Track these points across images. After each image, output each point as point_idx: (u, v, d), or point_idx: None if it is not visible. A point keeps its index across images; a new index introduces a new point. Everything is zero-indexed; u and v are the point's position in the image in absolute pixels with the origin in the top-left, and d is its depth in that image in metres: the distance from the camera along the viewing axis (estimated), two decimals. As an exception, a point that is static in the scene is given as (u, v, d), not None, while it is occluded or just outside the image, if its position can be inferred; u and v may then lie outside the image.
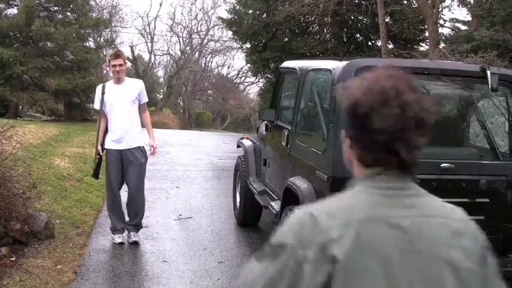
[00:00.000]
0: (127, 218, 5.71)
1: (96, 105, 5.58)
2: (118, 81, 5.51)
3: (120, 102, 5.43)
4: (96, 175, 5.77)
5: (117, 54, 5.56)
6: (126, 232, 5.64)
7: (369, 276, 1.14)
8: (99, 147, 5.54)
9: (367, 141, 1.24)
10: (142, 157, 5.53)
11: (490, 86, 3.94)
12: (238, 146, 6.75)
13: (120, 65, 5.45)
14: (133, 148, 5.47)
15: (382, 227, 1.19)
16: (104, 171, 5.73)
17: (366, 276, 1.15)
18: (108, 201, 5.76)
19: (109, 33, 30.55)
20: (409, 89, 1.21)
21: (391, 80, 1.21)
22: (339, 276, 1.14)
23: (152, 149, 5.58)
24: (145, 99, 5.63)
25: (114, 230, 5.63)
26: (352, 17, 18.40)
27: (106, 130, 5.52)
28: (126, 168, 5.48)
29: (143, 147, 5.55)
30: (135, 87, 5.58)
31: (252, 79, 35.48)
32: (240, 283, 1.30)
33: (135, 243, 5.54)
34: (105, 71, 33.20)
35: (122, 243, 5.50)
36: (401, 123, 1.19)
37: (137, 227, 5.68)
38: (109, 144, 5.49)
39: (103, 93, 5.47)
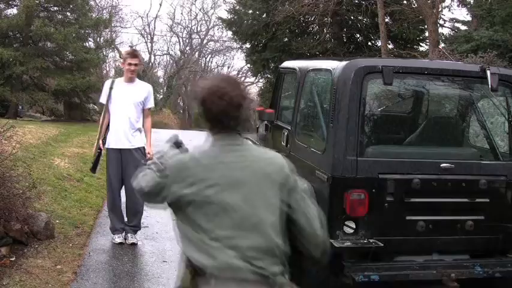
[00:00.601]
0: (126, 219, 5.71)
1: (103, 99, 5.58)
2: (129, 80, 5.52)
3: (125, 101, 5.43)
4: (93, 169, 5.75)
5: (135, 54, 5.60)
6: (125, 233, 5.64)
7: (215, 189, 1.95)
8: (100, 142, 5.54)
9: (208, 116, 2.04)
10: (141, 158, 5.52)
11: (490, 86, 3.94)
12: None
13: (136, 64, 5.49)
14: (133, 148, 5.47)
15: (221, 166, 1.99)
16: (104, 170, 5.73)
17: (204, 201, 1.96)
18: (108, 201, 5.76)
19: (109, 33, 30.54)
20: (230, 86, 2.02)
21: (220, 81, 2.05)
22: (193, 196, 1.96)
23: (148, 155, 5.56)
24: (150, 104, 5.62)
25: (114, 230, 5.63)
26: (352, 17, 18.41)
27: (107, 126, 5.54)
28: (125, 169, 5.48)
29: (143, 148, 5.55)
30: (143, 90, 5.60)
31: (252, 79, 35.46)
32: (138, 178, 2.16)
33: (134, 245, 5.54)
34: (104, 71, 33.20)
35: (121, 243, 5.50)
36: (222, 106, 1.98)
37: (135, 228, 5.67)
38: (109, 143, 5.50)
39: (111, 88, 5.48)
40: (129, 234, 5.61)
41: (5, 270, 4.48)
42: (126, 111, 5.44)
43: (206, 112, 2.03)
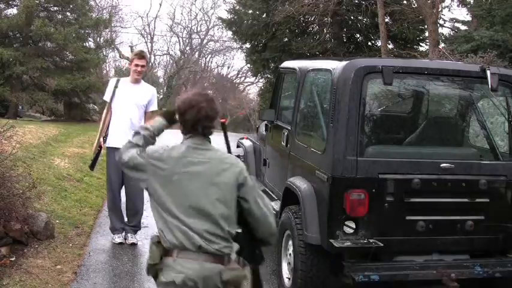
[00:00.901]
0: (126, 219, 5.71)
1: (107, 97, 5.57)
2: (135, 81, 5.53)
3: (129, 101, 5.43)
4: (92, 166, 5.74)
5: (143, 55, 5.62)
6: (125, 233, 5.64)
7: (176, 181, 2.45)
8: (101, 139, 5.55)
9: (185, 123, 2.53)
10: None
11: (489, 86, 3.94)
12: (238, 146, 6.75)
13: (143, 66, 5.50)
14: None
15: (184, 163, 2.48)
16: (104, 170, 5.73)
17: (174, 180, 2.46)
18: (108, 200, 5.76)
19: (109, 33, 30.54)
20: (205, 101, 2.51)
21: (196, 96, 2.53)
22: (162, 180, 2.48)
23: None
24: (153, 107, 5.60)
25: (113, 230, 5.63)
26: (352, 17, 18.39)
27: (108, 124, 5.54)
28: None
29: None
30: (148, 92, 5.60)
31: (252, 79, 35.49)
32: (123, 150, 2.64)
33: (134, 245, 5.54)
34: (104, 71, 33.18)
35: (121, 243, 5.50)
36: (197, 117, 2.48)
37: (135, 228, 5.67)
38: (110, 142, 5.50)
39: (116, 86, 5.48)
40: (129, 234, 5.61)
41: (5, 270, 4.48)
42: (128, 112, 5.43)
43: (184, 120, 2.54)
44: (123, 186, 5.63)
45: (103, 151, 5.62)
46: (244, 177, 2.53)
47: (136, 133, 2.68)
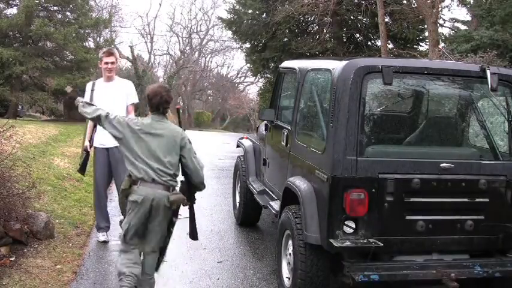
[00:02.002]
0: (117, 213, 5.78)
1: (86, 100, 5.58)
2: (108, 79, 5.52)
3: (107, 100, 5.41)
4: (82, 170, 5.75)
5: (110, 52, 5.57)
6: (114, 228, 5.72)
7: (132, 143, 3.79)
8: (87, 143, 5.56)
9: (151, 105, 3.84)
10: None
11: (489, 86, 3.94)
12: (237, 146, 6.75)
13: (112, 63, 5.48)
14: None
15: (148, 128, 3.81)
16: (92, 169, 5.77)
17: (132, 142, 3.80)
18: (94, 199, 5.79)
19: (108, 33, 30.53)
20: (164, 91, 3.87)
21: (160, 88, 3.89)
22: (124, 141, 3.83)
23: None
24: (132, 100, 5.61)
25: (98, 228, 5.68)
26: (351, 17, 18.39)
27: (94, 126, 5.54)
28: (115, 167, 5.49)
29: None
30: (124, 87, 5.60)
31: (252, 79, 35.49)
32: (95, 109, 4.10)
33: None
34: (104, 71, 33.09)
35: (105, 242, 5.55)
36: (160, 101, 3.82)
37: None
38: (96, 142, 5.52)
39: (92, 90, 5.48)
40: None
41: (5, 270, 4.48)
42: (109, 110, 5.43)
43: (151, 103, 3.87)
44: (114, 184, 5.69)
45: (91, 153, 5.62)
46: (185, 142, 3.84)
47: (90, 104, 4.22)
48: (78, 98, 4.31)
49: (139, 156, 3.75)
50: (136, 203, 3.72)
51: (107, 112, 3.94)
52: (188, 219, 4.09)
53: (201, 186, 3.97)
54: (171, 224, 3.90)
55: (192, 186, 3.92)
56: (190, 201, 3.98)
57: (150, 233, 3.82)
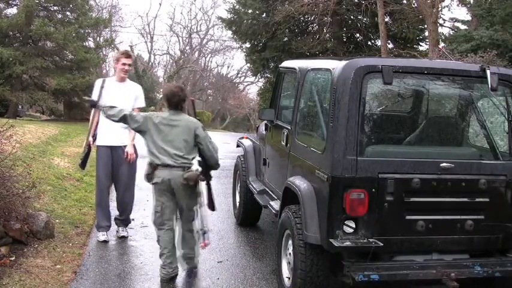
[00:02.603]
0: (116, 213, 5.81)
1: (94, 97, 5.61)
2: (121, 80, 5.59)
3: (117, 100, 5.45)
4: (83, 165, 5.75)
5: (129, 54, 5.72)
6: (114, 228, 5.75)
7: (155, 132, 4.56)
8: (90, 139, 5.58)
9: (169, 102, 4.62)
10: (133, 154, 5.61)
11: (489, 86, 3.94)
12: (237, 146, 6.75)
13: (130, 64, 5.62)
14: (124, 146, 5.55)
15: (167, 121, 4.55)
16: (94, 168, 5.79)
17: (154, 132, 4.56)
18: (96, 197, 5.81)
19: (108, 32, 30.54)
20: (180, 91, 4.66)
21: (176, 88, 4.69)
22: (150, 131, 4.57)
23: (127, 155, 5.57)
24: (140, 103, 5.68)
25: (98, 227, 5.69)
26: (351, 17, 18.41)
27: (97, 123, 5.58)
28: (117, 165, 5.56)
29: (134, 144, 5.62)
30: (134, 90, 5.69)
31: (252, 79, 35.51)
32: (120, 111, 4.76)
33: (124, 238, 5.65)
34: (104, 71, 33.18)
35: (105, 241, 5.55)
36: (177, 100, 4.59)
37: (126, 221, 5.81)
38: (100, 140, 5.54)
39: (102, 87, 5.52)
40: (120, 228, 5.75)
41: (5, 269, 4.48)
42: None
43: (170, 102, 4.60)
44: (114, 182, 5.72)
45: (93, 149, 5.65)
46: (199, 131, 4.56)
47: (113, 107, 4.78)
48: (99, 103, 5.08)
49: (159, 145, 4.49)
50: (157, 184, 4.53)
51: (129, 111, 4.70)
52: (206, 195, 4.84)
53: (216, 167, 4.75)
54: (198, 203, 4.73)
55: (209, 166, 4.69)
56: (207, 179, 4.73)
57: (183, 212, 4.65)
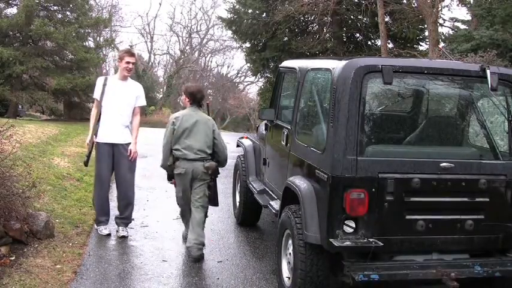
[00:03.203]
0: (116, 212, 5.82)
1: (96, 95, 5.66)
2: (124, 78, 5.64)
3: (118, 98, 5.51)
4: (87, 162, 5.83)
5: (132, 53, 5.78)
6: (114, 228, 5.75)
7: (183, 128, 5.23)
8: (93, 136, 5.63)
9: (192, 98, 5.30)
10: (136, 152, 5.64)
11: (489, 86, 3.94)
12: (237, 146, 6.75)
13: (133, 63, 5.66)
14: (125, 143, 5.60)
15: (188, 117, 5.23)
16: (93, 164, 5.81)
17: (182, 128, 5.22)
18: (95, 192, 5.83)
19: (109, 32, 30.54)
20: (202, 89, 5.46)
21: (198, 87, 5.48)
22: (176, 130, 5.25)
23: (130, 152, 5.61)
24: (141, 103, 5.74)
25: (98, 222, 5.74)
26: (351, 17, 18.39)
27: (98, 121, 5.62)
28: (117, 162, 5.60)
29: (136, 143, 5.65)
30: (135, 89, 5.73)
31: (252, 78, 35.50)
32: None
33: (124, 238, 5.64)
34: (104, 71, 33.17)
35: (109, 235, 5.61)
36: (200, 97, 5.33)
37: (127, 220, 5.81)
38: (100, 137, 5.57)
39: (104, 84, 5.56)
40: (120, 227, 5.75)
41: (5, 269, 4.48)
42: (118, 108, 5.56)
43: (193, 98, 5.25)
44: (115, 181, 5.71)
45: (93, 151, 5.68)
46: (215, 127, 5.24)
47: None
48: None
49: (183, 140, 5.13)
50: (181, 174, 5.17)
51: (170, 159, 5.24)
52: (212, 189, 5.32)
53: (224, 163, 5.32)
54: (209, 188, 5.30)
55: (218, 162, 5.25)
56: (214, 176, 5.27)
57: (196, 193, 5.23)
